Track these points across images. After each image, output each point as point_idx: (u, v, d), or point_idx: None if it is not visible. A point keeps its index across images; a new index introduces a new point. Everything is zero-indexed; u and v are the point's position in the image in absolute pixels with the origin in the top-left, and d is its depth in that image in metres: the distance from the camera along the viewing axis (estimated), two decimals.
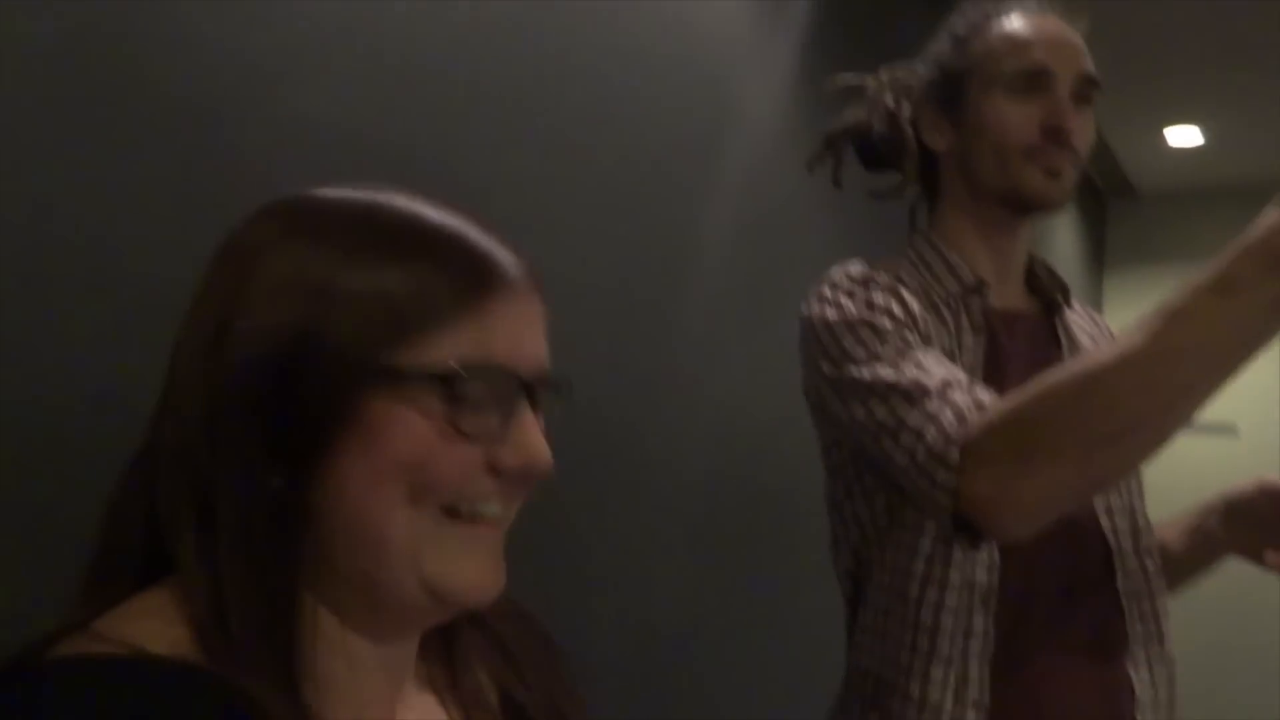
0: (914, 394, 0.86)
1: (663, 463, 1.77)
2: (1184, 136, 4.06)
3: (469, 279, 0.49)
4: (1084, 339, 1.07)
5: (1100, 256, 4.83)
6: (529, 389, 0.51)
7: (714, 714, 1.87)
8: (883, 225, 1.29)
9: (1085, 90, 0.99)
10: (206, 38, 1.00)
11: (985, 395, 0.85)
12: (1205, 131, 4.01)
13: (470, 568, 0.50)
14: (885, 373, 0.89)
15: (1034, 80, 0.98)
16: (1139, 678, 0.96)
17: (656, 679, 1.75)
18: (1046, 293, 1.07)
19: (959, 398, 0.84)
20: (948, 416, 0.82)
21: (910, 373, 0.87)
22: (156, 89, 0.96)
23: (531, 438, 0.51)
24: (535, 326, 0.53)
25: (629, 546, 1.69)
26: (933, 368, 0.88)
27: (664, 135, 1.73)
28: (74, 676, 0.42)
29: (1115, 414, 0.73)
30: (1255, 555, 0.95)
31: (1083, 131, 0.99)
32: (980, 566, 0.92)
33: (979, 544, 0.87)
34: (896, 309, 0.95)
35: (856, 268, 1.00)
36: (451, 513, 0.49)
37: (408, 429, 0.47)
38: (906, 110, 1.08)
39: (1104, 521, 0.97)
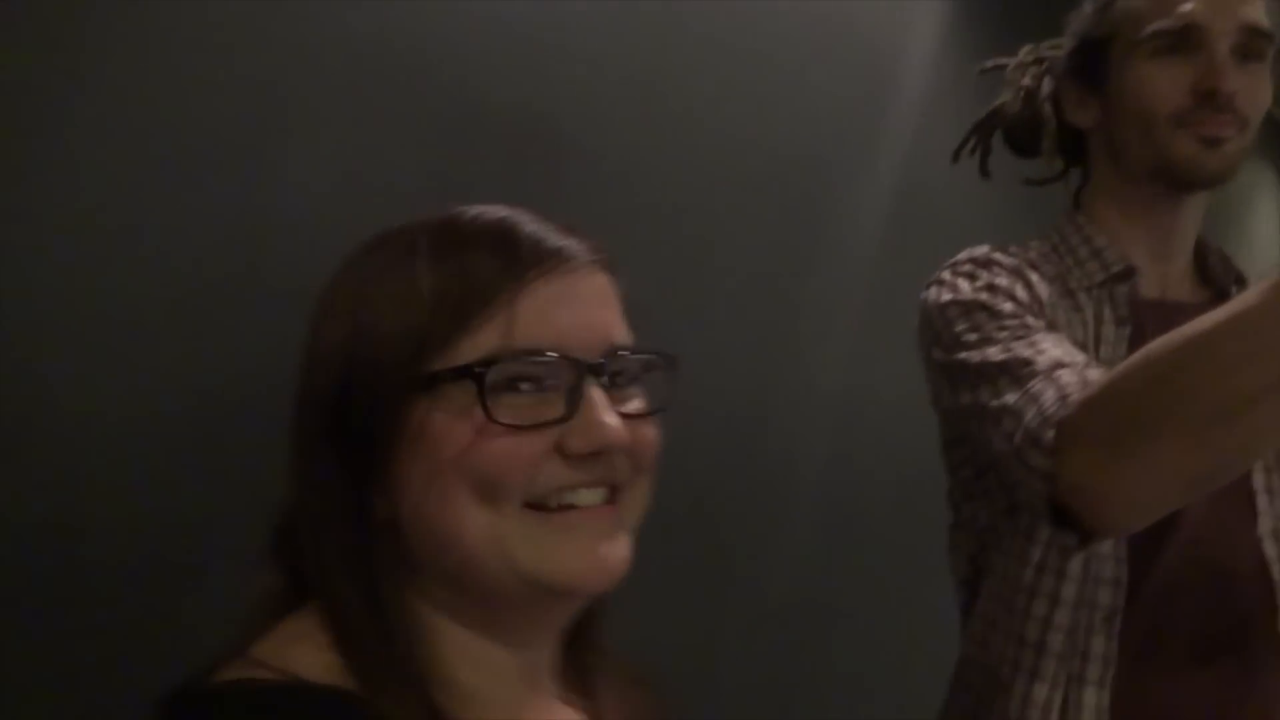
0: (1020, 374, 0.78)
1: (783, 450, 1.75)
2: None
3: (498, 268, 0.48)
4: None
5: None
6: (592, 369, 0.49)
7: (833, 695, 1.86)
8: (1038, 213, 1.24)
9: (1251, 43, 0.88)
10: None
11: (1096, 373, 0.76)
12: None
13: (569, 555, 0.49)
14: (996, 354, 0.82)
15: (1183, 38, 0.88)
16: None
17: (780, 660, 1.75)
18: (1218, 282, 0.98)
19: (1066, 376, 0.75)
20: (1050, 395, 0.74)
21: (1022, 353, 0.80)
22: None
23: (596, 416, 0.49)
24: (593, 304, 0.51)
25: (754, 531, 1.69)
26: (1049, 349, 0.80)
27: (814, 117, 1.71)
28: (238, 704, 0.44)
29: (1224, 384, 0.62)
30: None
31: (1251, 91, 0.88)
32: (1103, 586, 0.85)
33: (1088, 543, 0.77)
34: (1021, 293, 0.88)
35: (982, 250, 0.94)
36: (538, 506, 0.49)
37: (451, 431, 0.47)
38: (1048, 88, 1.01)
39: (1268, 548, 0.87)
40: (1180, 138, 0.89)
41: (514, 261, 0.48)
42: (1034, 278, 0.90)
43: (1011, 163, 1.10)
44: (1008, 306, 0.86)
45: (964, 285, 0.89)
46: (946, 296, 0.90)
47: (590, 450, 0.49)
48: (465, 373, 0.47)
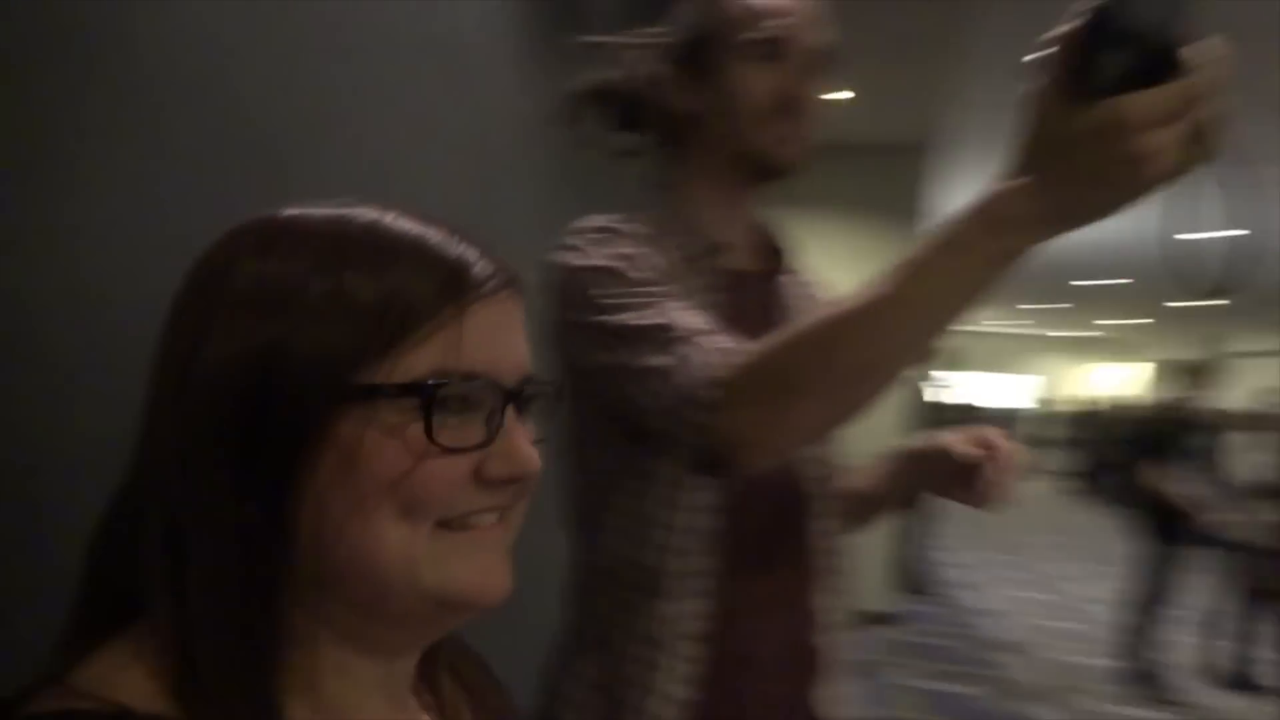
0: (659, 338, 0.88)
1: None
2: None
3: (439, 287, 0.47)
4: (800, 301, 1.13)
5: None
6: (512, 395, 0.50)
7: None
8: (583, 182, 1.23)
9: (821, 62, 1.03)
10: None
11: (732, 342, 0.88)
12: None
13: (472, 571, 0.49)
14: (631, 318, 0.90)
15: (770, 50, 1.01)
16: (821, 604, 1.06)
17: None
18: (772, 255, 1.13)
19: (709, 342, 0.87)
20: (699, 359, 0.85)
21: (657, 318, 0.90)
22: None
23: (517, 445, 0.50)
24: (514, 331, 0.51)
25: None
26: (680, 316, 0.90)
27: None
28: None
29: (860, 354, 0.77)
30: (942, 493, 1.06)
31: (815, 99, 1.03)
32: (702, 513, 0.98)
33: (719, 477, 0.90)
34: (644, 261, 0.97)
35: (605, 219, 1.02)
36: (445, 525, 0.48)
37: (385, 448, 0.46)
38: (654, 71, 1.09)
39: (804, 469, 1.06)
40: (764, 133, 1.02)
41: (457, 281, 0.48)
42: (660, 246, 1.01)
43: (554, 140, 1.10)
44: (637, 274, 0.94)
45: (595, 250, 0.96)
46: (580, 261, 0.96)
47: (509, 477, 0.49)
48: (412, 390, 0.46)
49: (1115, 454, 11.84)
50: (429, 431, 0.46)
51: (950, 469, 1.03)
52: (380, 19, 1.40)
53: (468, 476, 0.49)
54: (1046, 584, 7.46)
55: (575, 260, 0.97)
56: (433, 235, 0.49)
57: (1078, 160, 0.65)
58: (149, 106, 0.92)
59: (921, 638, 5.44)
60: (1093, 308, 15.50)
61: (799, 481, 1.07)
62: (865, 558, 5.32)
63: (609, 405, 0.96)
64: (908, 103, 4.72)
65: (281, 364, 0.45)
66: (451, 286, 0.48)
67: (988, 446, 1.01)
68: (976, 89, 4.70)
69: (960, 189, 7.09)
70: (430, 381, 0.46)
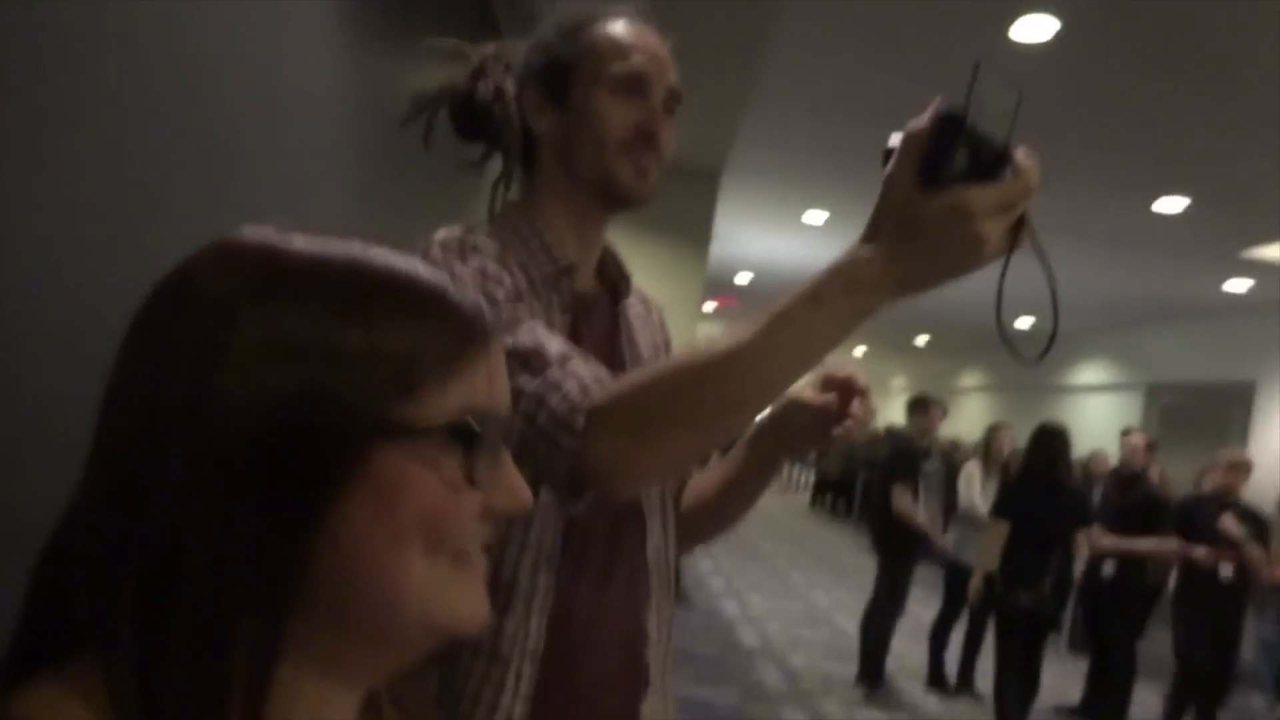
0: (533, 361, 0.90)
1: None
2: None
3: (461, 333, 0.49)
4: (637, 323, 1.17)
5: None
6: (506, 431, 0.53)
7: None
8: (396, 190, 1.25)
9: (673, 102, 1.07)
10: None
11: (602, 370, 0.91)
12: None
13: (470, 602, 0.51)
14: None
15: (634, 84, 1.04)
16: (651, 623, 1.09)
17: None
18: (613, 280, 1.15)
19: (581, 369, 0.89)
20: (571, 385, 0.87)
21: (526, 340, 0.91)
22: None
23: (518, 480, 0.53)
24: (504, 370, 0.54)
25: None
26: (549, 339, 0.92)
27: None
28: None
29: (726, 393, 0.83)
30: (804, 446, 1.11)
31: (669, 138, 1.07)
32: (549, 532, 1.00)
33: (580, 500, 0.92)
34: (507, 279, 0.98)
35: (463, 232, 1.02)
36: (458, 558, 0.50)
37: (425, 484, 0.47)
38: (512, 87, 1.10)
39: (641, 493, 1.09)
40: (623, 163, 1.04)
41: (478, 326, 0.50)
42: (512, 265, 1.01)
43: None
44: (500, 292, 0.95)
45: (458, 266, 0.96)
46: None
47: (512, 511, 0.52)
48: (455, 429, 0.48)
49: (863, 474, 12.93)
50: (469, 468, 0.48)
51: (806, 420, 1.08)
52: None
53: (480, 511, 0.50)
54: (797, 593, 7.98)
55: None
56: (443, 280, 0.51)
57: (926, 236, 0.77)
58: None
59: (677, 643, 5.62)
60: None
61: (639, 500, 1.09)
62: None
63: None
64: (704, 134, 4.95)
65: (318, 406, 0.45)
66: (474, 331, 0.50)
67: (835, 385, 1.07)
68: (762, 127, 4.99)
69: (743, 215, 7.49)
70: (467, 419, 0.48)
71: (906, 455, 5.40)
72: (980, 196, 0.75)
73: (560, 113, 1.07)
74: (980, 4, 3.37)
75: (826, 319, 0.81)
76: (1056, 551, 4.46)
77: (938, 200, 0.76)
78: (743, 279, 11.18)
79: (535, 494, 0.57)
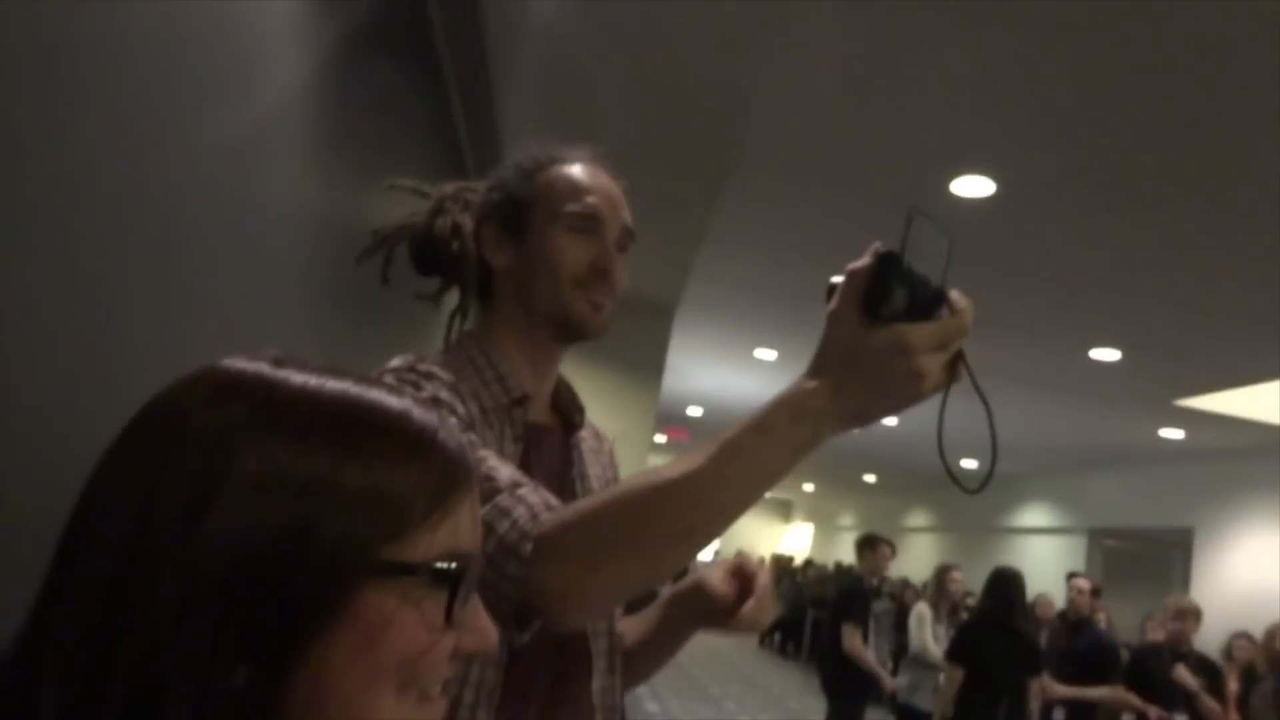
0: (482, 489, 0.88)
1: None
2: None
3: (450, 474, 0.50)
4: (589, 456, 1.18)
5: None
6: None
7: None
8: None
9: (626, 240, 1.12)
10: None
11: (552, 498, 0.92)
12: None
13: None
14: None
15: (589, 223, 1.08)
16: None
17: None
18: (566, 412, 1.17)
19: (530, 496, 0.90)
20: (520, 512, 0.88)
21: (479, 468, 0.93)
22: None
23: (486, 621, 0.53)
24: (479, 510, 0.54)
25: None
26: (499, 466, 0.93)
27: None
28: None
29: (675, 521, 0.84)
30: (707, 626, 1.11)
31: (622, 274, 1.11)
32: (490, 667, 0.98)
33: (526, 630, 0.92)
34: (460, 408, 0.99)
35: (414, 360, 1.03)
36: (422, 697, 0.50)
37: (407, 625, 0.47)
38: (469, 225, 1.14)
39: (588, 629, 1.08)
40: (578, 298, 1.08)
41: (461, 470, 0.51)
42: (465, 394, 1.03)
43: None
44: (453, 420, 0.95)
45: (411, 393, 0.97)
46: None
47: (480, 652, 0.52)
48: (440, 571, 0.48)
49: (812, 613, 12.74)
50: (450, 610, 0.49)
51: (708, 605, 1.08)
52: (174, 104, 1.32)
53: (451, 651, 0.51)
54: None
55: None
56: (434, 421, 0.52)
57: (868, 370, 0.80)
58: None
59: None
60: (795, 471, 16.83)
61: (585, 638, 1.08)
62: None
63: None
64: (659, 270, 5.10)
65: (312, 542, 0.45)
66: (458, 474, 0.51)
67: (741, 576, 1.08)
68: (715, 265, 5.15)
69: (696, 350, 7.62)
70: (454, 563, 0.49)
71: (856, 594, 5.36)
72: (918, 333, 0.79)
73: (517, 249, 1.11)
74: (922, 163, 3.58)
75: (773, 448, 0.83)
76: (1008, 698, 4.41)
77: (879, 335, 0.80)
78: (694, 411, 11.27)
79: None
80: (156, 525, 0.45)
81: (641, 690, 8.92)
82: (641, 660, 1.19)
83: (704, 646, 14.27)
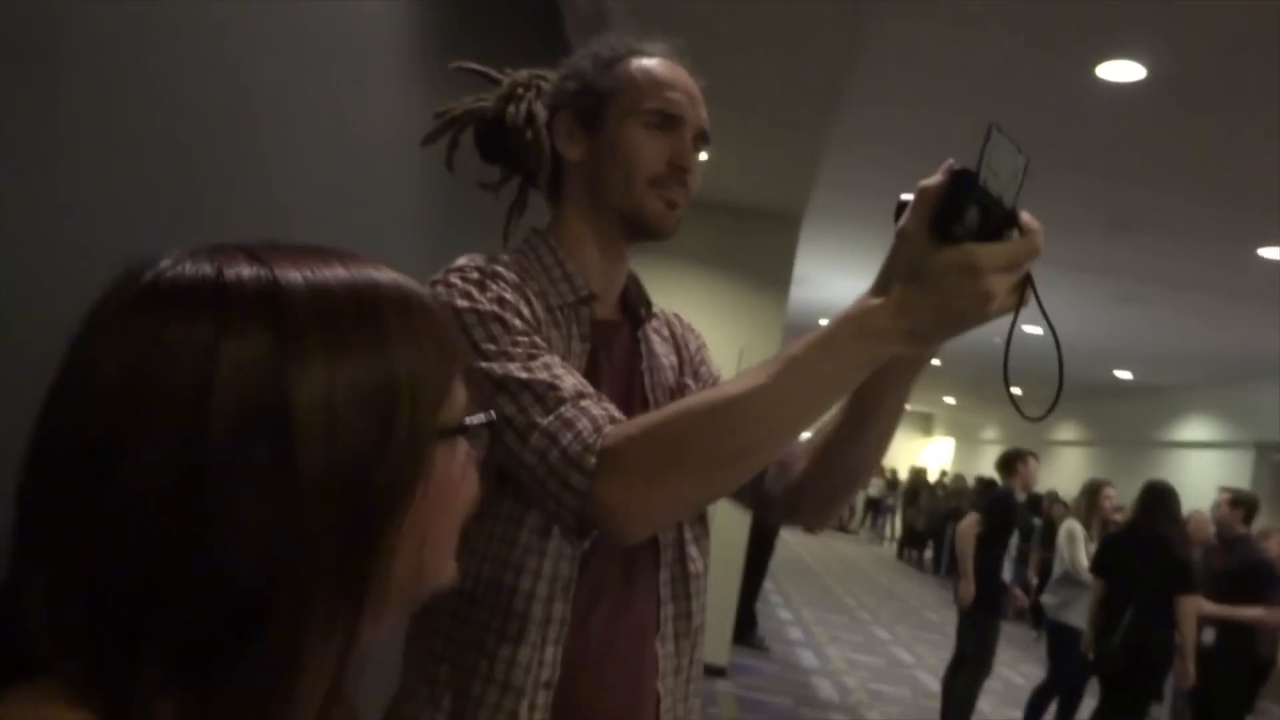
0: (547, 397, 0.90)
1: None
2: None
3: (451, 338, 0.54)
4: (659, 346, 1.16)
5: None
6: None
7: None
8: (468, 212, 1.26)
9: (701, 141, 1.10)
10: None
11: (615, 410, 0.92)
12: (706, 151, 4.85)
13: (451, 567, 0.57)
14: (517, 370, 0.91)
15: (669, 120, 1.06)
16: (664, 651, 1.07)
17: None
18: (634, 306, 1.16)
19: (594, 408, 0.90)
20: (584, 424, 0.88)
21: (542, 375, 0.91)
22: None
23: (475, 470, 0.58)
24: None
25: None
26: (564, 375, 0.93)
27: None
28: None
29: (738, 438, 0.85)
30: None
31: (696, 174, 1.08)
32: (564, 560, 0.99)
33: (587, 539, 0.94)
34: (525, 309, 0.98)
35: (483, 260, 1.02)
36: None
37: (469, 474, 0.55)
38: (542, 114, 1.11)
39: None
40: (653, 196, 1.06)
41: (449, 324, 0.56)
42: (530, 294, 1.02)
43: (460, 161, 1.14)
44: (518, 322, 0.96)
45: (476, 294, 0.96)
46: (461, 303, 0.95)
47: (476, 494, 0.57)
48: (486, 424, 0.55)
49: (951, 526, 12.54)
50: (491, 455, 0.57)
51: None
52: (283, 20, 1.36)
53: None
54: (876, 647, 7.75)
55: (458, 300, 0.96)
56: (422, 288, 0.54)
57: (936, 288, 0.80)
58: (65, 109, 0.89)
59: (751, 692, 5.53)
60: (934, 383, 16.39)
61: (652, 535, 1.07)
62: (713, 608, 5.36)
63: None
64: (784, 178, 4.96)
65: (387, 442, 0.48)
66: (452, 331, 0.55)
67: None
68: (841, 171, 4.97)
69: (825, 259, 7.44)
70: (491, 414, 0.56)
71: (1004, 506, 5.10)
72: (988, 253, 0.79)
73: (591, 142, 1.08)
74: (1065, 45, 3.31)
75: (836, 364, 0.84)
76: (1135, 612, 4.25)
77: (947, 254, 0.79)
78: (825, 322, 11.05)
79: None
80: (254, 458, 0.44)
81: (775, 598, 9.07)
82: (861, 433, 1.04)
83: (838, 557, 14.31)
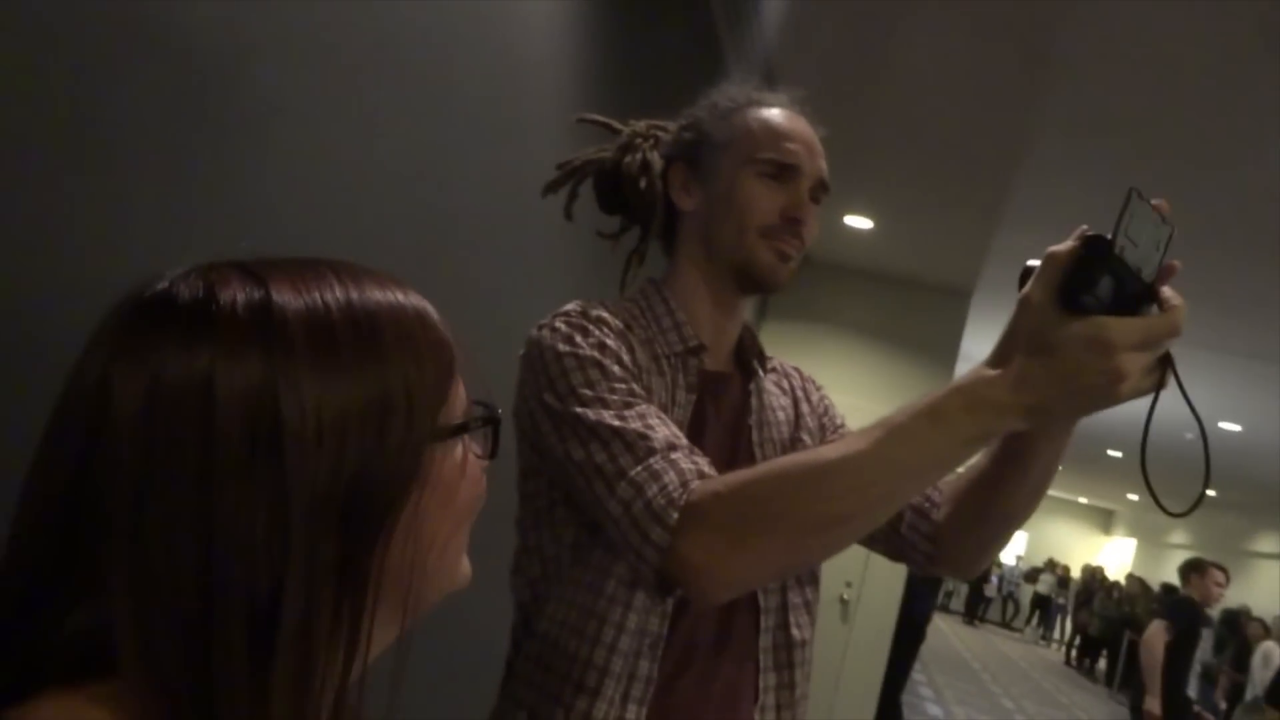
0: (637, 447, 0.88)
1: None
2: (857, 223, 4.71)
3: (447, 343, 0.55)
4: (775, 399, 1.13)
5: (763, 309, 5.46)
6: None
7: None
8: (598, 264, 1.27)
9: (820, 192, 1.07)
10: None
11: (706, 464, 0.89)
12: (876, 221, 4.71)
13: (465, 565, 0.59)
14: (611, 419, 0.91)
15: (785, 171, 1.04)
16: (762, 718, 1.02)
17: None
18: (748, 360, 1.13)
19: (684, 462, 0.88)
20: (671, 478, 0.86)
21: (635, 424, 0.90)
22: None
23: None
24: None
25: None
26: (657, 426, 0.91)
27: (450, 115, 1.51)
28: None
29: (830, 505, 0.81)
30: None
31: (812, 226, 1.06)
32: (654, 615, 0.95)
33: (669, 595, 0.90)
34: (626, 356, 0.98)
35: (590, 306, 1.02)
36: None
37: (472, 472, 0.56)
38: (658, 164, 1.11)
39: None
40: (764, 247, 1.04)
41: (444, 329, 0.56)
42: (634, 341, 1.01)
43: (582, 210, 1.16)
44: (618, 370, 0.95)
45: (579, 339, 0.96)
46: (564, 347, 0.96)
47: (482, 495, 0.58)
48: (487, 420, 0.57)
49: (1128, 635, 11.52)
50: (493, 453, 0.57)
51: None
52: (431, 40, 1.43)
53: None
54: None
55: (560, 344, 0.97)
56: (421, 299, 0.56)
57: (1061, 364, 0.74)
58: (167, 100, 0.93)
59: None
60: (1118, 477, 15.28)
61: (754, 590, 1.04)
62: (845, 694, 5.15)
63: (568, 497, 0.97)
64: (956, 251, 4.82)
65: (384, 448, 0.50)
66: (448, 337, 0.56)
67: None
68: (1014, 247, 4.76)
69: (991, 336, 7.12)
70: (494, 411, 0.57)
71: (1187, 615, 4.68)
72: (1122, 328, 0.73)
73: (706, 191, 1.08)
74: (1257, 116, 3.07)
75: (944, 436, 0.79)
76: None
77: (1076, 327, 0.74)
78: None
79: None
80: (258, 458, 0.46)
81: (925, 691, 8.57)
82: (1011, 478, 0.96)
83: (998, 654, 13.41)
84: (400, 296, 0.54)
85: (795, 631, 1.06)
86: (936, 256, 5.09)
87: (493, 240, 1.74)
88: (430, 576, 0.54)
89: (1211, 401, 7.06)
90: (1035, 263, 0.78)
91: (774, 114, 1.08)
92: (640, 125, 1.17)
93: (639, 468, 0.88)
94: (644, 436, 0.90)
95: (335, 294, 0.51)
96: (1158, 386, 0.76)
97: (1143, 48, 2.85)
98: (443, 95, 1.47)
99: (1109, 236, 0.72)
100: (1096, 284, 0.73)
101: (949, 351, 5.58)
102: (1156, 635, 4.55)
